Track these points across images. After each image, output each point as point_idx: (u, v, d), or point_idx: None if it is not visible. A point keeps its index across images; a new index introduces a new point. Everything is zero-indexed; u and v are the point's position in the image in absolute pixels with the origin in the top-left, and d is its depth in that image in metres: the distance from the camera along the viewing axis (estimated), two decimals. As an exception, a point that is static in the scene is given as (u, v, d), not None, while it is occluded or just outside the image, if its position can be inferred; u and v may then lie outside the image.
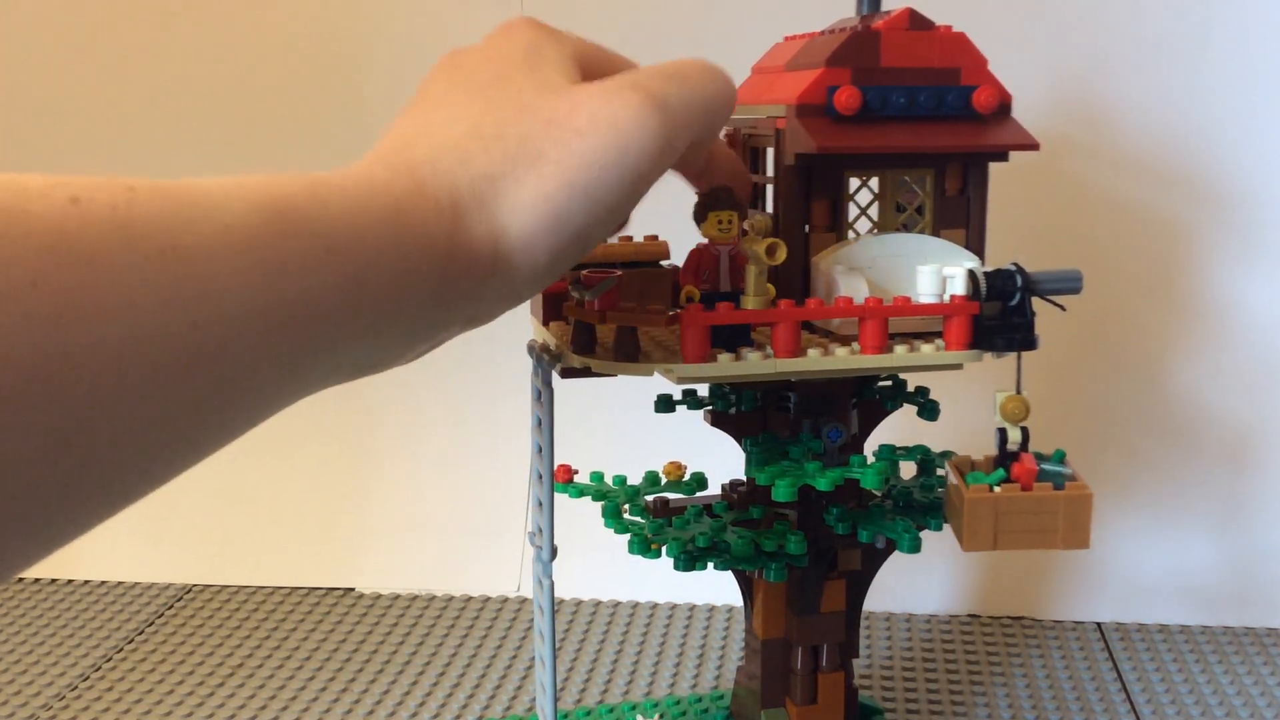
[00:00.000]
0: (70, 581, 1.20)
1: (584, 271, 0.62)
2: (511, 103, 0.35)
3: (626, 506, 0.73)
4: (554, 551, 0.66)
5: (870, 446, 0.75)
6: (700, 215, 0.66)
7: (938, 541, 0.74)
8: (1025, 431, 0.62)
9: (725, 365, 0.59)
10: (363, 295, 0.30)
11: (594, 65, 0.39)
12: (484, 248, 0.33)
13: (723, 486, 0.76)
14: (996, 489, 0.60)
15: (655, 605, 1.12)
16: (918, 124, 0.64)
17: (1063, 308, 0.62)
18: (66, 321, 0.23)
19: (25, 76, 1.23)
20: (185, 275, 0.26)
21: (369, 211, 0.31)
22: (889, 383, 0.75)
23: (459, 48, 0.39)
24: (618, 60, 0.40)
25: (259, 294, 0.27)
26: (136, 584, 1.19)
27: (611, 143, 0.35)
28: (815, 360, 0.59)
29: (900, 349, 0.61)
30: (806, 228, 0.66)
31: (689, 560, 0.69)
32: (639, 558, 0.70)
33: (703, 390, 0.75)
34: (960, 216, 0.66)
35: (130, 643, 1.07)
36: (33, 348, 0.23)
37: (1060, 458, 0.63)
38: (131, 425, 0.25)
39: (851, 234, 0.66)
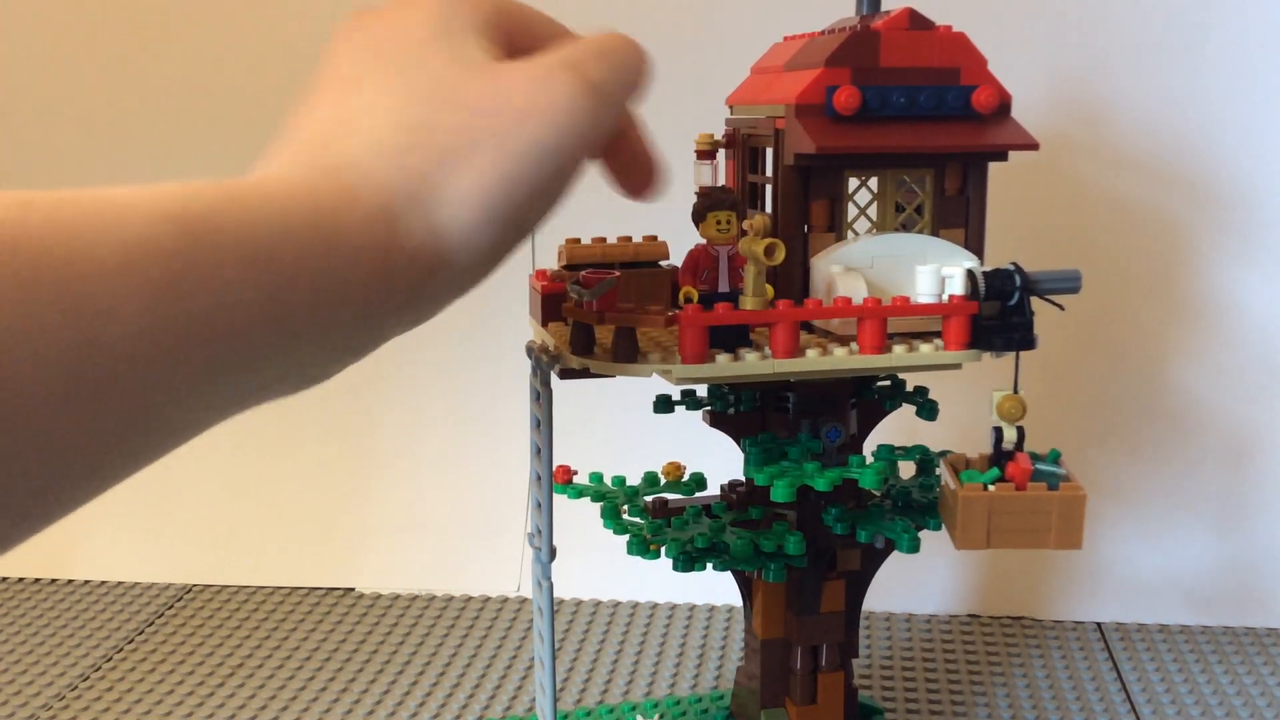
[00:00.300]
0: (70, 581, 1.20)
1: (583, 272, 0.62)
2: (434, 86, 0.33)
3: (625, 507, 0.73)
4: (553, 552, 0.66)
5: (869, 446, 0.75)
6: (699, 216, 0.66)
7: (937, 541, 0.74)
8: (1021, 431, 0.62)
9: (724, 366, 0.59)
10: (286, 308, 0.29)
11: (514, 25, 0.37)
12: (422, 250, 0.32)
13: (722, 487, 0.76)
14: (990, 488, 0.60)
15: (655, 605, 1.12)
16: (917, 124, 0.64)
17: (1061, 307, 0.62)
18: None
19: (26, 79, 1.23)
20: (78, 293, 0.24)
21: (291, 219, 0.29)
22: (888, 383, 0.75)
23: (360, 11, 0.36)
24: (537, 18, 0.38)
25: (165, 308, 0.26)
26: (136, 584, 1.19)
27: (549, 130, 0.33)
28: (814, 360, 0.59)
29: (899, 349, 0.61)
30: (805, 228, 0.66)
31: (688, 561, 0.69)
32: (639, 558, 0.70)
33: (701, 391, 0.75)
34: (959, 216, 0.66)
35: (130, 643, 1.07)
36: None
37: (1055, 458, 0.63)
38: (36, 447, 0.24)
39: (851, 234, 0.66)
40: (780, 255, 0.60)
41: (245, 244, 0.28)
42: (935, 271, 0.61)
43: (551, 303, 0.67)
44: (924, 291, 0.61)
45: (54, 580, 1.20)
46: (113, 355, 0.25)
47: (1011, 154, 0.65)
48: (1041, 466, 0.62)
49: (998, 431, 0.62)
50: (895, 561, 0.75)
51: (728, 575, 0.75)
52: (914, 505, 0.73)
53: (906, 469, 0.77)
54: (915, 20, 0.64)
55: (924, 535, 0.69)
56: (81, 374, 0.25)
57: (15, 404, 0.24)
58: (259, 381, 0.30)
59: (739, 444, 0.73)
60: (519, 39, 0.37)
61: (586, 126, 0.34)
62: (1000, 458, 0.62)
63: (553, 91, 0.33)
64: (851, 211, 0.67)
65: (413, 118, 0.33)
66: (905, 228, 0.67)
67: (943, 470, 0.65)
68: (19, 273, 0.24)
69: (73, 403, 0.24)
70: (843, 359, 0.60)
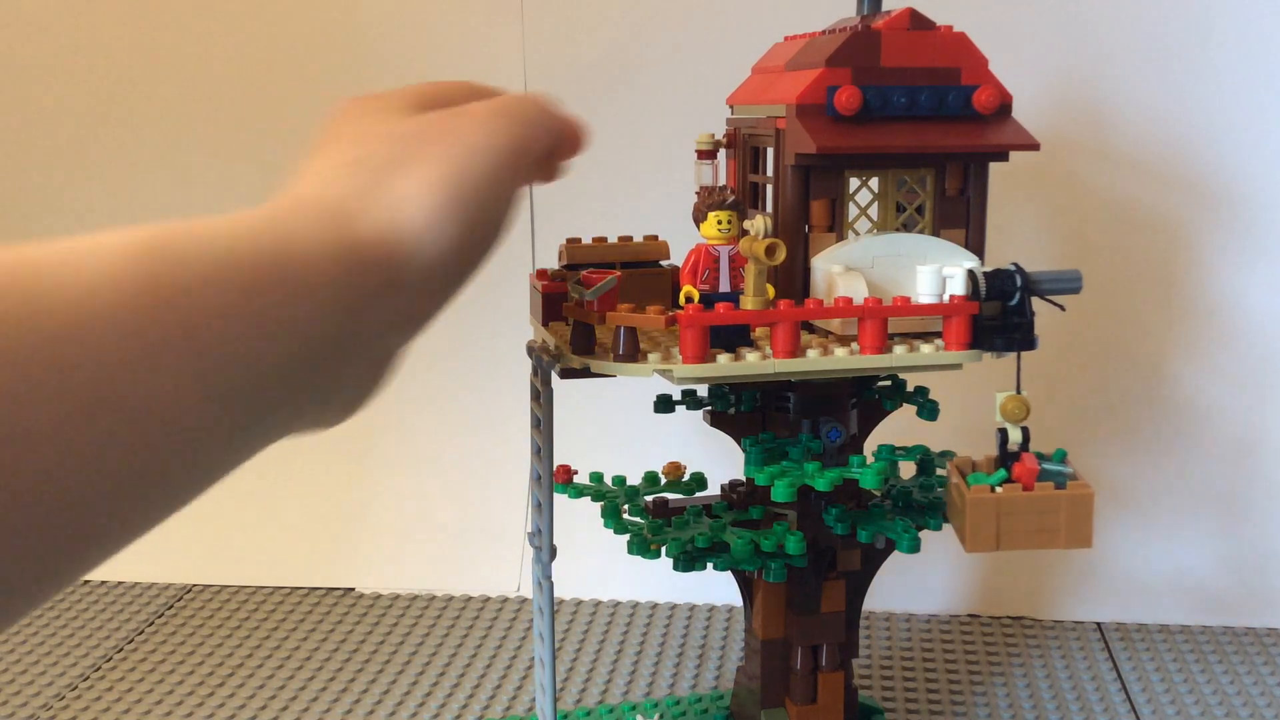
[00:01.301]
0: (70, 581, 1.20)
1: (584, 272, 0.62)
2: (375, 136, 0.38)
3: (626, 507, 0.73)
4: (553, 552, 0.66)
5: (870, 446, 0.75)
6: (700, 216, 0.66)
7: (938, 541, 0.74)
8: (1026, 431, 0.62)
9: (724, 366, 0.59)
10: (254, 314, 0.30)
11: (430, 101, 0.42)
12: (378, 237, 0.34)
13: (722, 487, 0.76)
14: (998, 489, 0.60)
15: (655, 605, 1.12)
16: (918, 124, 0.64)
17: (1062, 308, 0.62)
18: None
19: (28, 85, 1.23)
20: (58, 318, 0.26)
21: (248, 236, 0.31)
22: (888, 383, 0.75)
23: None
24: (450, 90, 0.44)
25: (140, 327, 0.27)
26: (136, 584, 1.19)
27: (479, 135, 0.38)
28: (814, 361, 0.59)
29: (900, 349, 0.61)
30: (806, 228, 0.66)
31: (688, 560, 0.69)
32: (639, 558, 0.70)
33: (702, 390, 0.75)
34: (960, 216, 0.66)
35: (130, 643, 1.07)
36: None
37: (1061, 457, 0.63)
38: (24, 475, 0.25)
39: (851, 234, 0.66)
40: (781, 255, 0.60)
41: (205, 261, 0.29)
42: (936, 272, 0.61)
43: (552, 302, 0.67)
44: (925, 292, 0.61)
45: (53, 580, 1.20)
46: (103, 373, 0.26)
47: (1012, 154, 0.65)
48: (1048, 466, 0.62)
49: (1002, 433, 0.62)
50: (895, 561, 0.75)
51: (728, 575, 0.75)
52: (914, 505, 0.73)
53: (907, 469, 0.77)
54: (916, 20, 0.64)
55: (924, 535, 0.69)
56: (79, 393, 0.25)
57: (14, 426, 0.24)
58: (269, 397, 0.31)
59: (739, 444, 0.73)
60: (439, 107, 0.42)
61: (509, 136, 0.39)
62: (1006, 459, 0.62)
63: (472, 117, 0.39)
64: (852, 211, 0.67)
65: (352, 155, 0.37)
66: (906, 228, 0.67)
67: (949, 473, 0.65)
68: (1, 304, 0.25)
69: (76, 420, 0.25)
70: (843, 359, 0.60)
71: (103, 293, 0.27)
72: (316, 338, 0.32)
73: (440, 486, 1.21)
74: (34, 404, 0.25)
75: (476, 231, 0.37)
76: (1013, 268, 0.61)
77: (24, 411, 0.25)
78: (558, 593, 0.69)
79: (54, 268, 0.27)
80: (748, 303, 0.61)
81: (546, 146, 0.42)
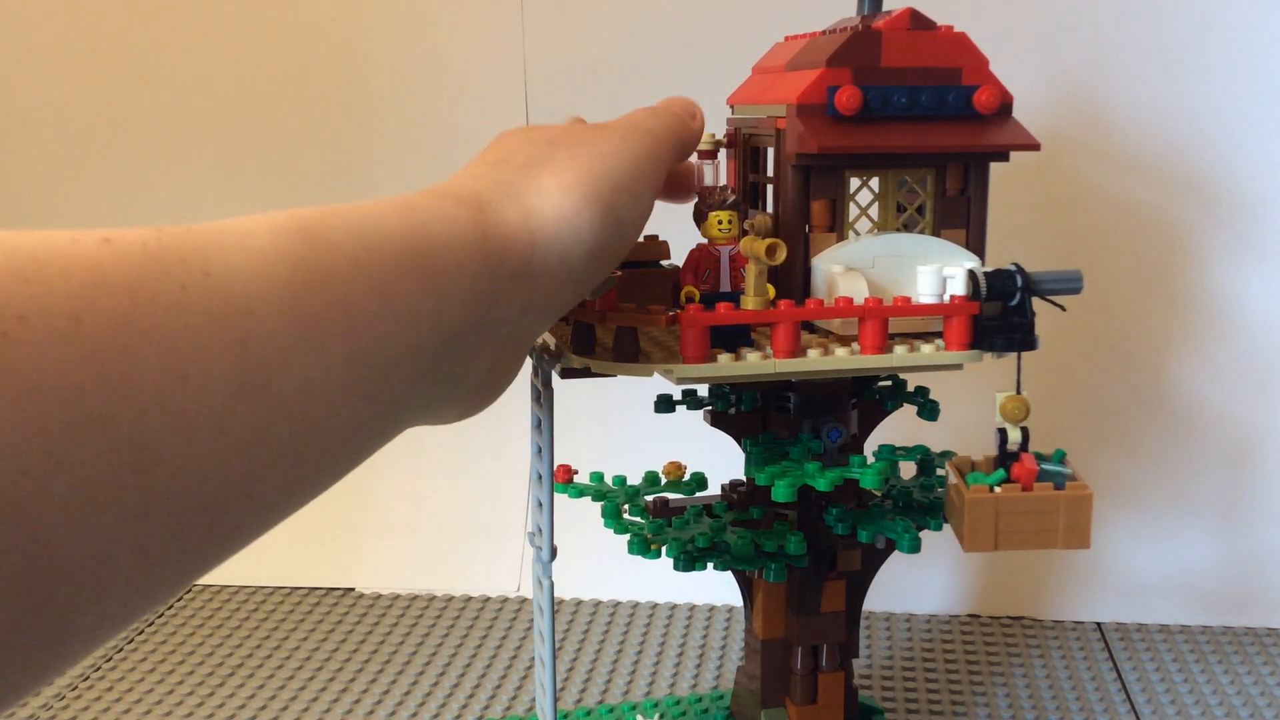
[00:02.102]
0: (70, 581, 1.20)
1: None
2: (518, 142, 0.41)
3: (626, 507, 0.73)
4: (554, 552, 0.66)
5: (870, 446, 0.75)
6: (700, 215, 0.66)
7: (938, 541, 0.74)
8: (1025, 431, 0.62)
9: (725, 366, 0.59)
10: (397, 296, 0.31)
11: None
12: (516, 226, 0.36)
13: (722, 487, 0.76)
14: (997, 489, 0.60)
15: (655, 605, 1.12)
16: (918, 124, 0.64)
17: (1063, 308, 0.62)
18: (110, 354, 0.23)
19: (29, 88, 1.23)
20: (221, 297, 0.26)
21: (390, 219, 0.32)
22: (889, 383, 0.75)
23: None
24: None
25: (296, 307, 0.28)
26: (136, 584, 1.19)
27: (615, 144, 0.40)
28: (815, 361, 0.59)
29: (900, 349, 0.61)
30: (807, 228, 0.66)
31: (689, 560, 0.69)
32: (639, 558, 0.70)
33: (702, 390, 0.75)
34: (961, 216, 0.66)
35: (130, 643, 1.07)
36: (78, 383, 0.23)
37: (1060, 457, 0.63)
38: (194, 455, 0.25)
39: (852, 234, 0.66)
40: (781, 255, 0.60)
41: (351, 244, 0.30)
42: (936, 272, 0.61)
43: (552, 303, 0.67)
44: (925, 292, 0.61)
45: (53, 580, 1.20)
46: (264, 351, 0.27)
47: (1013, 154, 0.65)
48: (1047, 466, 0.61)
49: (1002, 433, 0.62)
50: (895, 561, 0.75)
51: (728, 575, 0.75)
52: (915, 505, 0.73)
53: (907, 469, 0.77)
54: (917, 20, 0.64)
55: (924, 535, 0.69)
56: (225, 371, 0.26)
57: (169, 404, 0.24)
58: (399, 380, 0.32)
59: (740, 444, 0.73)
60: None
61: (644, 144, 0.42)
62: (1005, 459, 0.62)
63: (606, 131, 0.42)
64: (853, 211, 0.67)
65: (495, 157, 0.40)
66: (906, 228, 0.67)
67: (948, 473, 0.64)
68: (167, 279, 0.25)
69: (217, 403, 0.26)
70: (844, 359, 0.60)
71: (265, 276, 0.27)
72: (452, 320, 0.33)
73: (440, 486, 1.21)
74: (199, 388, 0.25)
75: (610, 228, 0.39)
76: (1013, 268, 0.61)
77: (190, 394, 0.25)
78: (558, 593, 0.69)
79: (218, 249, 0.27)
80: (748, 303, 0.61)
81: (680, 156, 0.46)
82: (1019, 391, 0.62)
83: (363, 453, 0.32)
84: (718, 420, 0.74)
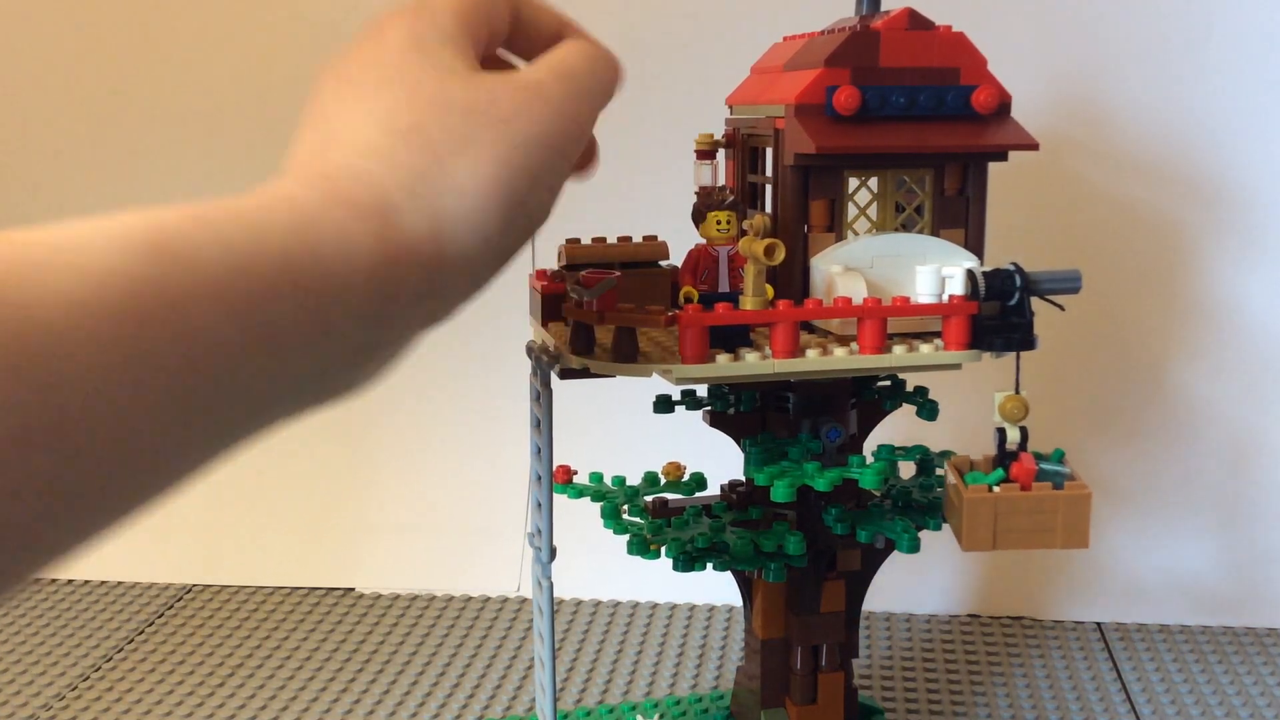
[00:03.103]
0: (70, 581, 1.20)
1: (583, 272, 0.62)
2: (417, 92, 0.33)
3: (626, 507, 0.73)
4: (553, 552, 0.66)
5: (869, 446, 0.75)
6: (699, 216, 0.66)
7: (938, 541, 0.74)
8: (1024, 431, 0.62)
9: (723, 366, 0.59)
10: (271, 323, 0.26)
11: (479, 23, 0.37)
12: (424, 241, 0.31)
13: (722, 487, 0.76)
14: (995, 489, 0.60)
15: (655, 605, 1.12)
16: (917, 124, 0.64)
17: (1062, 308, 0.62)
18: None
19: (28, 88, 1.23)
20: (17, 334, 0.22)
21: (268, 231, 0.27)
22: (888, 383, 0.75)
23: (335, 56, 0.36)
24: (497, 11, 0.38)
25: (123, 343, 0.23)
26: (136, 584, 1.19)
27: (539, 125, 0.34)
28: (814, 361, 0.59)
29: (899, 349, 0.61)
30: (805, 228, 0.66)
31: (688, 561, 0.69)
32: (639, 558, 0.70)
33: (701, 391, 0.75)
34: (960, 216, 0.66)
35: (130, 643, 1.07)
36: None
37: (1059, 457, 0.63)
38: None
39: (850, 234, 0.66)
40: (780, 255, 0.60)
41: (217, 262, 0.26)
42: (935, 271, 0.61)
43: (551, 303, 0.67)
44: (924, 291, 0.61)
45: (54, 580, 1.20)
46: (72, 398, 0.23)
47: (1011, 154, 0.65)
48: (1046, 466, 0.62)
49: (1001, 432, 0.62)
50: (895, 561, 0.75)
51: (728, 575, 0.75)
52: (914, 505, 0.73)
53: (907, 469, 0.77)
54: (915, 20, 0.64)
55: (924, 535, 0.69)
56: (33, 418, 0.22)
57: None
58: (265, 398, 0.28)
59: (739, 444, 0.73)
60: (486, 36, 0.37)
61: (575, 120, 0.35)
62: (1004, 458, 0.62)
63: (537, 99, 0.34)
64: (851, 211, 0.67)
65: (401, 121, 0.32)
66: (905, 228, 0.67)
67: (947, 472, 0.65)
68: None
69: (24, 451, 0.22)
70: (843, 359, 0.60)
71: (90, 305, 0.23)
72: (331, 350, 0.29)
73: (440, 487, 1.21)
74: None
75: (520, 230, 0.34)
76: (1012, 268, 0.61)
77: None
78: (558, 593, 0.69)
79: (34, 269, 0.23)
80: (747, 303, 0.61)
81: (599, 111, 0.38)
82: (1018, 391, 0.62)
83: (204, 463, 0.28)
84: (717, 420, 0.74)
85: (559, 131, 0.34)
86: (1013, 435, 0.62)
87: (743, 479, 0.75)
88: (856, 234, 0.67)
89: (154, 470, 0.26)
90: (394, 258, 0.30)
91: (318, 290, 0.28)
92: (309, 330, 0.28)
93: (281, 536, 1.21)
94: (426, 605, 1.14)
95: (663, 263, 0.71)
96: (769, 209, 0.68)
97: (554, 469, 0.69)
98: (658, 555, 0.70)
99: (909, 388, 0.76)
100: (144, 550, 1.20)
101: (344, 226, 0.29)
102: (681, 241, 0.69)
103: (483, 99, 0.33)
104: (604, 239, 0.71)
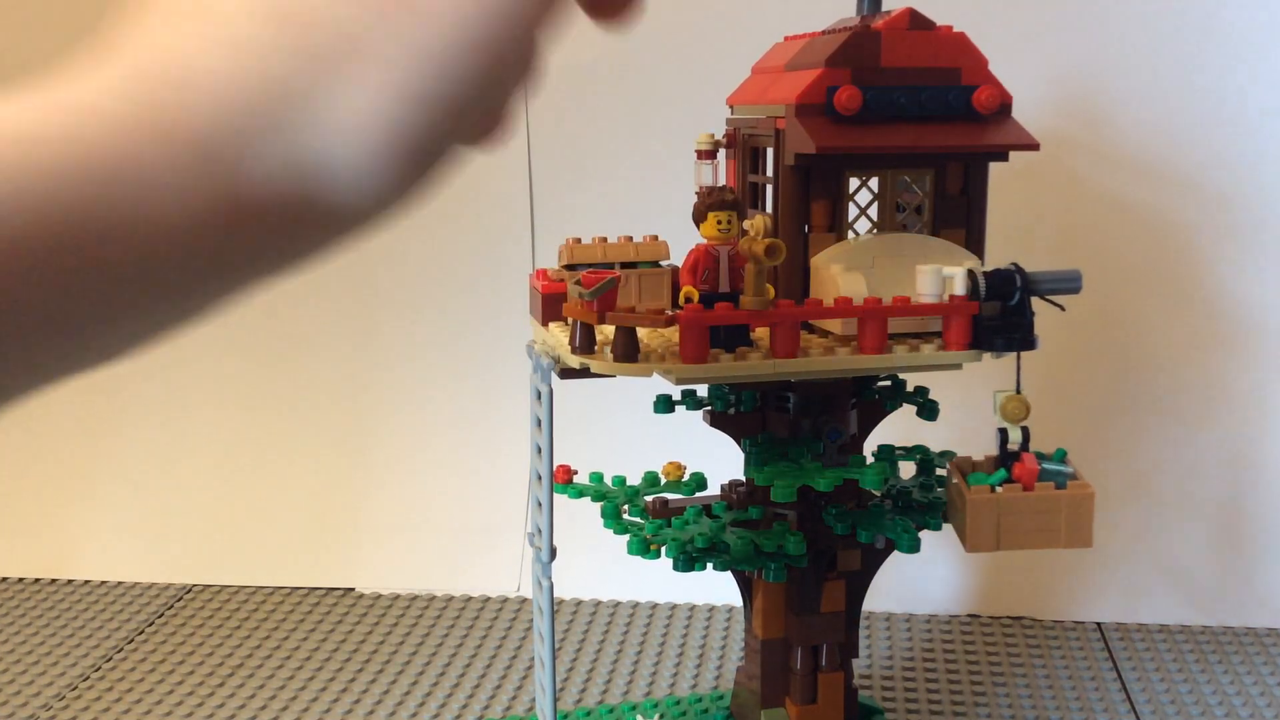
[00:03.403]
0: (70, 581, 1.20)
1: (584, 272, 0.62)
2: None
3: (626, 507, 0.73)
4: (553, 552, 0.66)
5: (870, 447, 0.75)
6: (700, 216, 0.66)
7: (938, 541, 0.73)
8: (1026, 431, 0.62)
9: (724, 366, 0.59)
10: (82, 281, 0.21)
11: None
12: (286, 190, 0.23)
13: (722, 487, 0.76)
14: (998, 489, 0.60)
15: (655, 605, 1.12)
16: (918, 124, 0.63)
17: (1062, 308, 0.62)
18: None
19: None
20: None
21: (81, 170, 0.22)
22: (888, 383, 0.75)
23: None
24: None
25: None
26: (136, 584, 1.19)
27: (449, 27, 0.24)
28: (814, 361, 0.59)
29: (900, 349, 0.61)
30: (806, 228, 0.66)
31: (688, 561, 0.69)
32: (639, 558, 0.70)
33: (702, 390, 0.75)
34: (960, 216, 0.66)
35: (130, 643, 1.07)
36: None
37: (1061, 457, 0.63)
38: None
39: (851, 234, 0.66)
40: (781, 255, 0.60)
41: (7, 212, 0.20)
42: (936, 271, 0.61)
43: (552, 303, 0.67)
44: (925, 292, 0.61)
45: (54, 580, 1.20)
46: None
47: (1012, 154, 0.65)
48: (1048, 466, 0.62)
49: (1002, 433, 0.62)
50: (895, 561, 0.75)
51: (728, 575, 0.75)
52: (914, 505, 0.73)
53: (907, 469, 0.77)
54: (916, 20, 0.64)
55: (924, 535, 0.69)
56: None
57: None
58: (90, 346, 0.23)
59: (739, 444, 0.73)
60: None
61: (498, 25, 0.25)
62: (1006, 459, 0.62)
63: None
64: (852, 211, 0.67)
65: (285, 4, 0.24)
66: (906, 228, 0.67)
67: (949, 473, 0.65)
68: None
69: None
70: (843, 359, 0.60)
71: None
72: (167, 296, 0.23)
73: (440, 486, 1.21)
74: None
75: (419, 169, 0.25)
76: (1012, 268, 0.61)
77: None
78: (558, 593, 0.69)
79: None
80: (747, 303, 0.61)
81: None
82: (1019, 391, 0.62)
83: None
84: (717, 420, 0.74)
85: (481, 25, 0.24)
86: (1014, 435, 0.62)
87: (743, 479, 0.75)
88: (857, 234, 0.67)
89: None
90: (242, 210, 0.23)
91: (135, 253, 0.22)
92: (123, 293, 0.22)
93: (281, 536, 1.21)
94: (426, 605, 1.14)
95: (663, 262, 0.71)
96: (769, 209, 0.68)
97: (554, 469, 0.69)
98: (658, 555, 0.70)
99: (909, 388, 0.76)
100: (144, 550, 1.20)
101: (170, 167, 0.22)
102: (682, 241, 0.69)
103: None
104: (604, 239, 0.71)
